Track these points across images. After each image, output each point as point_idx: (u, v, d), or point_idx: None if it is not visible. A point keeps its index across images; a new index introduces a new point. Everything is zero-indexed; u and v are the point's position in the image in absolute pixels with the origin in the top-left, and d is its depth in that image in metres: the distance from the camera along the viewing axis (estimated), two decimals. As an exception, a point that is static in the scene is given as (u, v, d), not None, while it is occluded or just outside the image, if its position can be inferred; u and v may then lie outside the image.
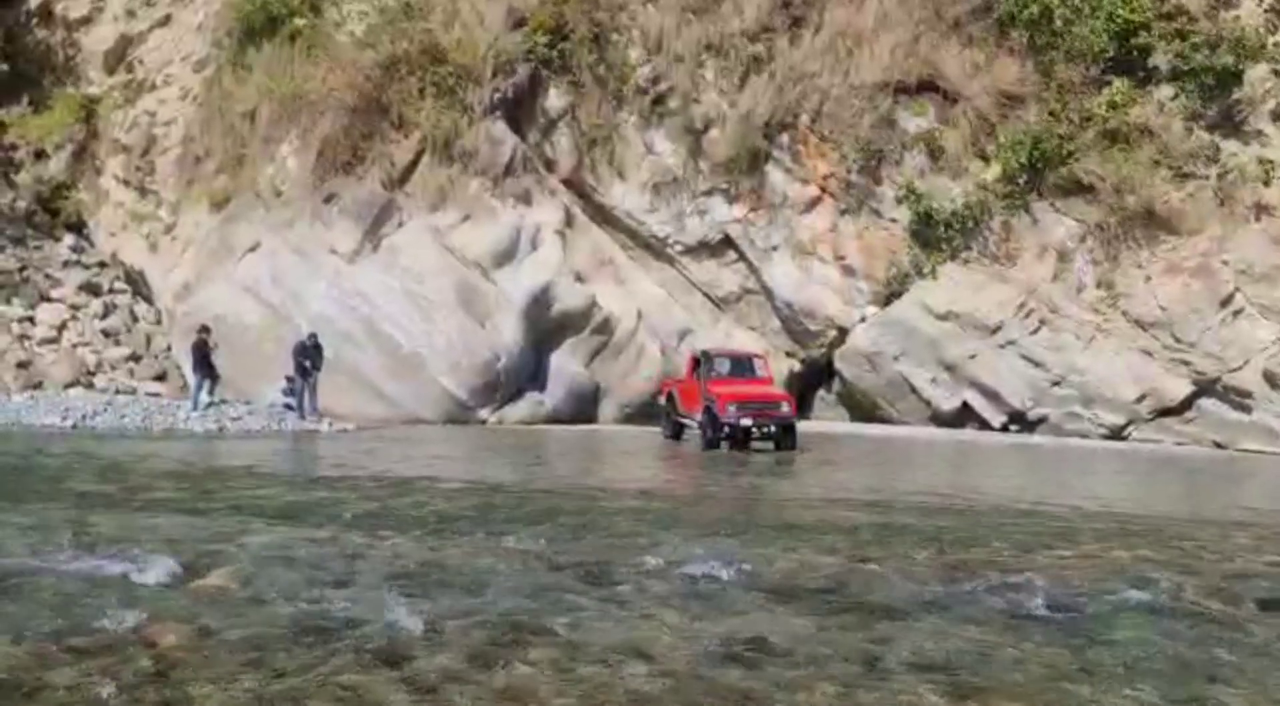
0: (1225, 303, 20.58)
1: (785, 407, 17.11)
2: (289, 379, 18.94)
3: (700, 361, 18.11)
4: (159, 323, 22.66)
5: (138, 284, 23.33)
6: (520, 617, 6.14)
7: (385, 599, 6.41)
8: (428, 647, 5.47)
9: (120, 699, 4.64)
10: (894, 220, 22.54)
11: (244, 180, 22.25)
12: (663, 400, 19.55)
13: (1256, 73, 21.38)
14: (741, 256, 23.05)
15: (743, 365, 18.48)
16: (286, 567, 7.30)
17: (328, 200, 21.35)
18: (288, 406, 18.83)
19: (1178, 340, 20.74)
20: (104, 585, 6.57)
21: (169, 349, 21.98)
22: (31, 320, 21.59)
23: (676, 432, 18.78)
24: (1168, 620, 6.51)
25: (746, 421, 16.45)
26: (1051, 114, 21.78)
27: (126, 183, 23.89)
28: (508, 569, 7.49)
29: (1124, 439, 20.95)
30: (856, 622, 6.24)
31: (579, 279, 21.70)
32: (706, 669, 5.25)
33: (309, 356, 18.88)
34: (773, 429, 16.75)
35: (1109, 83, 21.77)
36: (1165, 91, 21.71)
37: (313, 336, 19.07)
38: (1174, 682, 5.21)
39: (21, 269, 22.46)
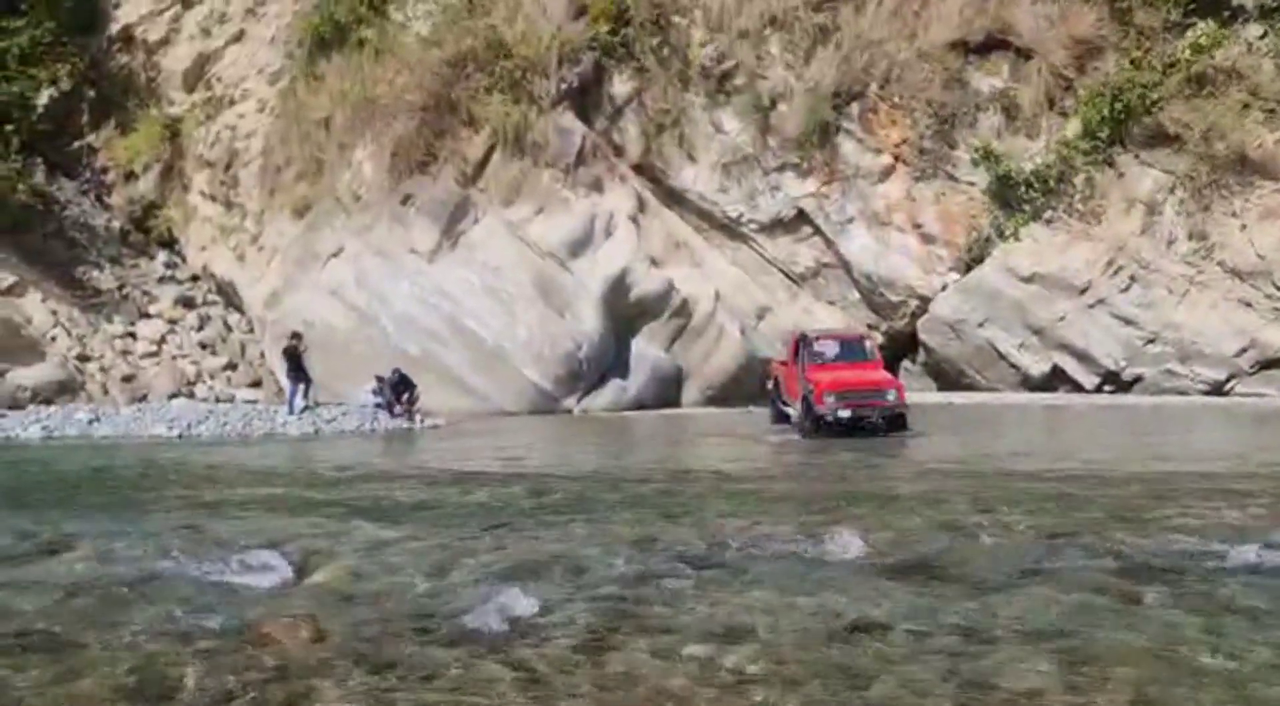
0: (1328, 246, 19.74)
1: (892, 395, 15.44)
2: (378, 379, 19.35)
3: (800, 344, 16.70)
4: (251, 331, 23.35)
5: (229, 295, 24.05)
6: (624, 603, 6.21)
7: (490, 590, 6.54)
8: (534, 637, 5.57)
9: (247, 696, 4.81)
10: (971, 184, 22.09)
11: (323, 187, 22.74)
12: (770, 383, 18.36)
13: (1351, 4, 20.42)
14: (817, 231, 22.82)
15: (849, 348, 16.88)
16: (393, 563, 7.48)
17: (405, 201, 21.72)
18: (377, 406, 19.24)
19: (1278, 288, 19.97)
20: (222, 587, 6.81)
21: (262, 356, 22.63)
22: (133, 336, 22.43)
23: (783, 418, 17.46)
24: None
25: (845, 413, 15.00)
26: (1132, 63, 21.09)
27: (212, 197, 24.61)
28: (610, 555, 7.55)
29: (1225, 394, 20.27)
30: (962, 593, 6.17)
31: (654, 264, 21.72)
32: (810, 647, 5.24)
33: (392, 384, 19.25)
34: (878, 420, 15.28)
35: (1192, 25, 20.99)
36: (1253, 30, 20.86)
37: (396, 371, 19.39)
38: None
39: (120, 287, 23.34)
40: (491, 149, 21.92)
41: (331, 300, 21.54)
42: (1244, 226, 20.36)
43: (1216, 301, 20.45)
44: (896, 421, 15.31)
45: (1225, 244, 20.44)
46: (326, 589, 6.85)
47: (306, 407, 19.50)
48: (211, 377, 22.06)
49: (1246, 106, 20.47)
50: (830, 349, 16.60)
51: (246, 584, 6.89)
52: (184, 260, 24.74)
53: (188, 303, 23.61)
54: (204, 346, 22.86)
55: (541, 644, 5.44)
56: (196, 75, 25.37)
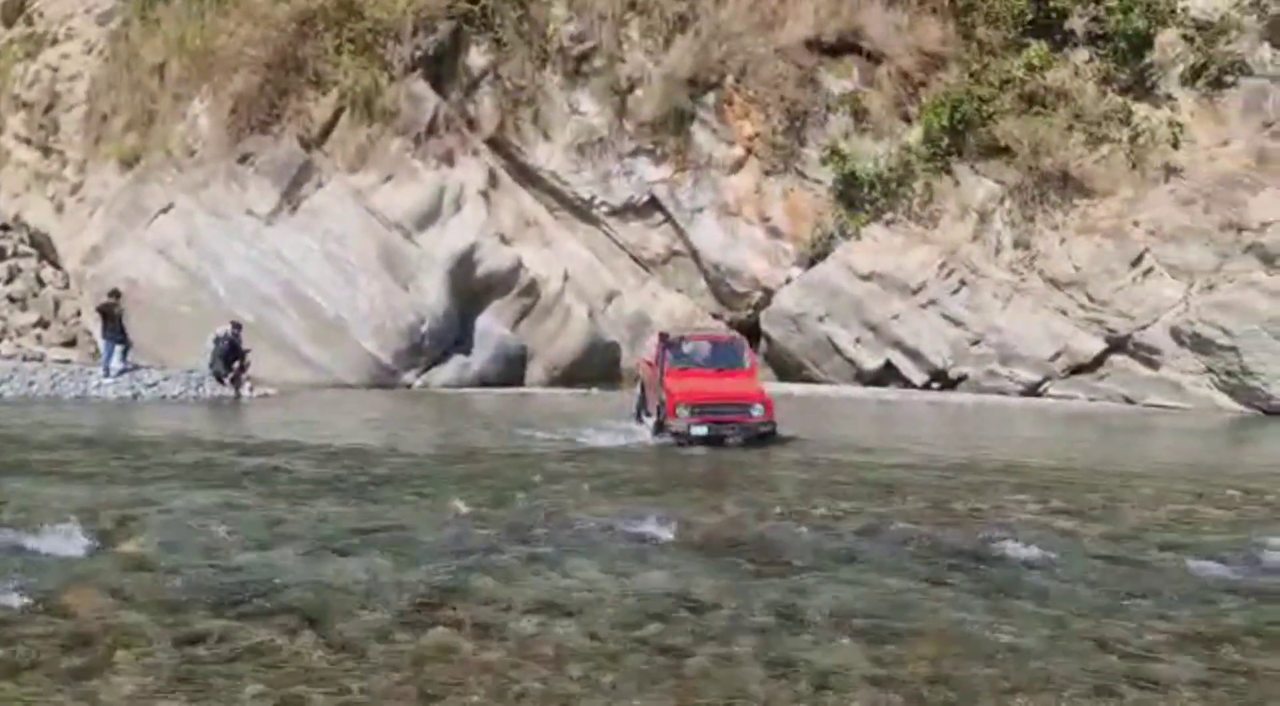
0: (1136, 262, 21.20)
1: (758, 411, 13.02)
2: (235, 324, 18.46)
3: (663, 345, 14.38)
4: (67, 287, 21.90)
5: (44, 247, 22.47)
6: (449, 577, 6.13)
7: (307, 562, 6.36)
8: (353, 609, 5.44)
9: (41, 666, 4.54)
10: (819, 181, 22.71)
11: (154, 139, 21.49)
12: (638, 387, 15.91)
13: (1167, 37, 21.90)
14: (668, 218, 23.03)
15: (719, 352, 14.60)
16: (206, 533, 7.18)
17: (243, 160, 20.74)
18: (234, 380, 18.35)
19: (1091, 299, 21.33)
20: (18, 555, 6.39)
21: (79, 314, 21.25)
22: (-69, 285, 20.74)
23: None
24: (1077, 564, 6.75)
25: (700, 430, 12.79)
26: (972, 76, 22.08)
27: (28, 141, 22.93)
28: (436, 530, 7.46)
29: (1040, 395, 21.54)
30: (778, 576, 6.35)
31: (504, 241, 21.47)
32: (631, 624, 5.30)
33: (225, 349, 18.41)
34: (739, 439, 12.91)
35: (1027, 45, 22.13)
36: (1081, 55, 22.14)
37: (236, 325, 18.54)
38: (1081, 621, 5.41)
39: (-81, 231, 21.53)
40: (339, 112, 21.16)
41: (158, 259, 20.40)
42: (1063, 240, 21.63)
43: (1036, 308, 21.66)
44: (761, 440, 13.05)
45: (1046, 254, 21.66)
46: (135, 558, 6.53)
47: (124, 370, 18.45)
48: (19, 335, 20.57)
49: (1071, 127, 21.74)
50: (698, 352, 14.44)
51: (48, 552, 6.50)
52: (-5, 207, 23.00)
53: (-4, 253, 21.97)
54: (13, 300, 21.28)
55: (361, 616, 5.33)
56: (16, 8, 23.57)
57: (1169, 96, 22.04)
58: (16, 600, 5.41)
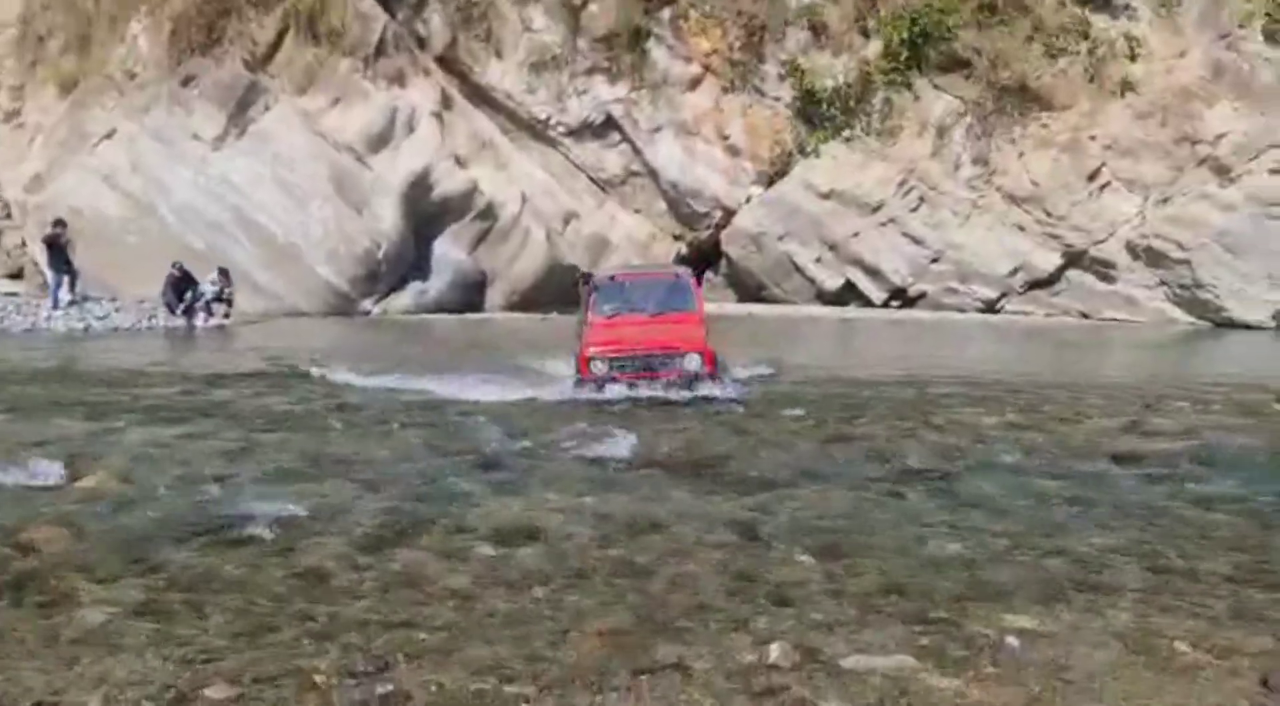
0: (1092, 177, 21.36)
1: (692, 363, 10.50)
2: (221, 271, 18.25)
3: (587, 288, 12.06)
4: (9, 217, 21.34)
5: (-17, 176, 21.84)
6: (412, 504, 6.17)
7: (269, 489, 6.36)
8: (317, 537, 5.46)
9: (4, 599, 4.53)
10: (777, 98, 22.51)
11: (93, 62, 20.80)
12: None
13: (1125, -54, 21.79)
14: (625, 137, 22.77)
15: (655, 292, 11.79)
16: (166, 465, 7.15)
17: (186, 83, 20.15)
18: (211, 301, 18.11)
19: (1048, 214, 21.50)
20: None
21: (23, 245, 20.77)
22: None
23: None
24: (1030, 476, 6.92)
25: (617, 388, 10.32)
26: (931, -12, 21.84)
27: (-39, 66, 22.10)
28: (399, 458, 7.47)
29: (997, 312, 21.82)
30: (738, 494, 6.45)
31: (459, 163, 21.16)
32: (593, 546, 5.37)
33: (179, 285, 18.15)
34: (669, 396, 10.23)
35: (987, -47, 21.88)
36: (1041, -37, 21.96)
37: (177, 264, 18.22)
38: (1032, 532, 5.57)
39: None
40: (284, 32, 20.57)
41: (103, 186, 19.91)
42: (1021, 154, 21.70)
43: (993, 224, 21.82)
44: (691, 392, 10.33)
45: (1004, 170, 21.75)
46: (95, 491, 6.50)
47: (73, 302, 18.13)
48: (-37, 267, 20.12)
49: (1030, 38, 21.64)
50: (631, 294, 11.78)
51: (7, 486, 6.44)
52: (-73, 135, 22.21)
53: (-66, 182, 21.29)
54: (-46, 232, 20.77)
55: (325, 544, 5.35)
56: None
57: (1127, 7, 21.99)
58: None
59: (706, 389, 10.27)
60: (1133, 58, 21.36)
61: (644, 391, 10.20)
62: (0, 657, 3.93)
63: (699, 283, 12.31)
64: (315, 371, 11.52)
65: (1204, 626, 4.24)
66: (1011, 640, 4.01)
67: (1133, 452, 7.74)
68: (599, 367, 10.49)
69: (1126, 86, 21.28)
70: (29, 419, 8.98)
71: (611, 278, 12.37)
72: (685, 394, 10.13)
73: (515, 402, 9.89)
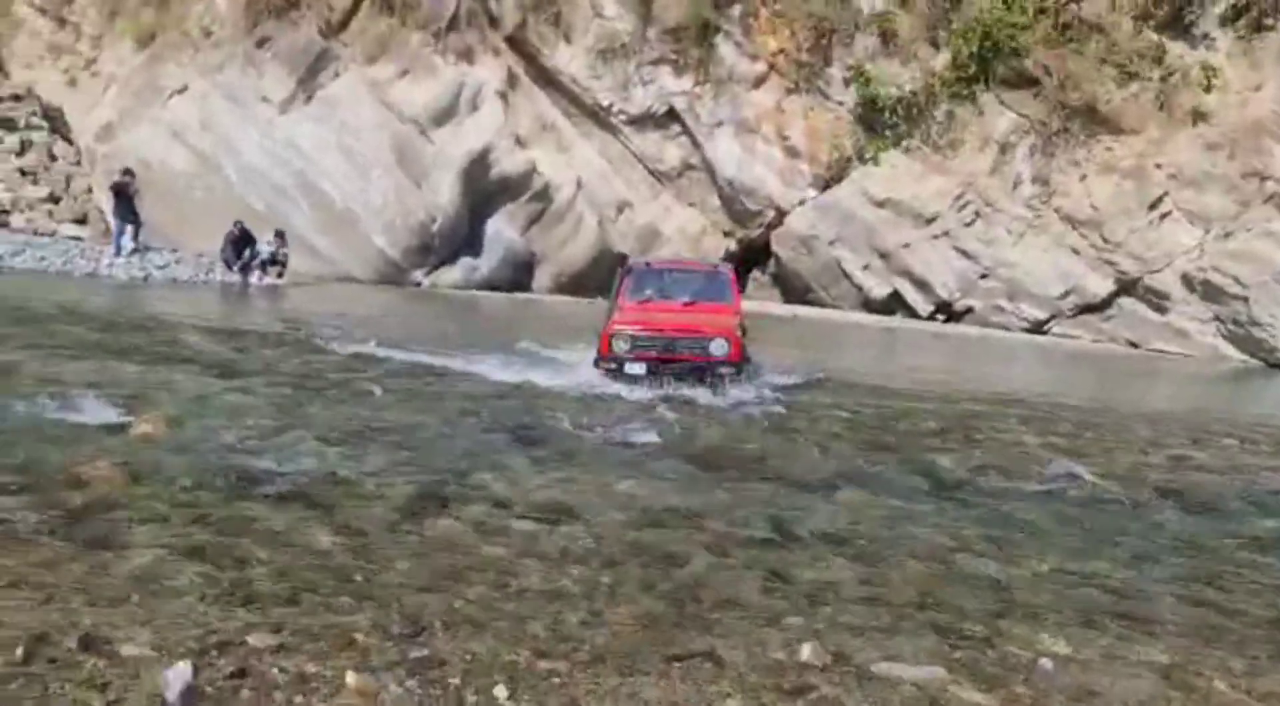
0: (1154, 205, 21.03)
1: (718, 348, 10.10)
2: (277, 233, 18.53)
3: (623, 274, 11.74)
4: (79, 163, 21.75)
5: (56, 121, 22.25)
6: (453, 474, 6.25)
7: (316, 449, 6.47)
8: (360, 498, 5.56)
9: (45, 534, 4.64)
10: (840, 103, 22.39)
11: (171, 17, 21.13)
12: None
13: (1211, -27, 21.39)
14: (685, 130, 22.76)
15: (691, 283, 11.49)
16: (216, 416, 7.29)
17: (260, 44, 20.43)
18: (265, 262, 18.43)
19: (1105, 239, 21.22)
20: (29, 425, 6.50)
21: (90, 191, 21.17)
22: (-60, 153, 20.59)
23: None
24: (1071, 501, 6.86)
25: (638, 368, 9.96)
26: (1005, 3, 21.59)
27: (43, 11, 22.51)
28: (443, 427, 7.57)
29: (1044, 333, 21.58)
30: (774, 492, 6.47)
31: (519, 143, 21.28)
32: (629, 529, 5.42)
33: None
34: (695, 380, 9.95)
35: (1065, -27, 21.58)
36: (1118, -15, 21.63)
37: (238, 222, 18.52)
38: (1070, 556, 5.53)
39: (-72, 97, 21.29)
40: (359, 1, 20.78)
41: (172, 141, 20.25)
42: (1083, 177, 21.42)
43: (1049, 245, 21.57)
44: (716, 383, 9.97)
45: (1065, 191, 21.48)
46: (148, 436, 6.63)
47: (135, 250, 18.48)
48: (30, 209, 20.50)
49: (1104, 60, 21.33)
50: (667, 282, 11.50)
51: (58, 424, 6.60)
52: (6, 76, 22.66)
53: (6, 124, 21.69)
54: (24, 174, 21.16)
55: (369, 506, 5.44)
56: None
57: (1206, 36, 21.60)
58: (31, 470, 5.52)
59: (736, 391, 9.81)
60: (1207, 88, 20.98)
61: (666, 389, 9.63)
62: (50, 590, 4.02)
63: (738, 279, 11.90)
64: (367, 347, 11.28)
65: (1244, 666, 4.18)
66: (1045, 662, 3.99)
67: (1177, 485, 7.66)
68: (620, 346, 10.10)
69: (1198, 116, 20.91)
70: (87, 361, 9.17)
71: (648, 264, 12.26)
72: (711, 398, 9.54)
73: (549, 384, 9.86)
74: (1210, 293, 20.51)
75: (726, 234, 22.98)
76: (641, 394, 9.62)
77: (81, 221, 20.73)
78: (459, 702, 3.38)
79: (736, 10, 22.27)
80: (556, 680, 3.60)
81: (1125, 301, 21.38)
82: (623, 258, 12.63)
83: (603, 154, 22.80)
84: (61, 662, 3.40)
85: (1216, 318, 20.61)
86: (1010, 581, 5.03)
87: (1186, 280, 20.77)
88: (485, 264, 20.76)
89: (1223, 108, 20.88)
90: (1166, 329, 21.04)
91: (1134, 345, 21.18)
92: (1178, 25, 21.55)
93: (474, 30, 21.45)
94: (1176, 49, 21.41)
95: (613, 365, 10.07)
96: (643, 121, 22.72)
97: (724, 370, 9.97)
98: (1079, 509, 6.67)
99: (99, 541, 4.62)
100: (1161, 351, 20.71)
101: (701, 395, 9.67)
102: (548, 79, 22.55)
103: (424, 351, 11.10)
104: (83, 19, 22.15)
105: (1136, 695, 3.83)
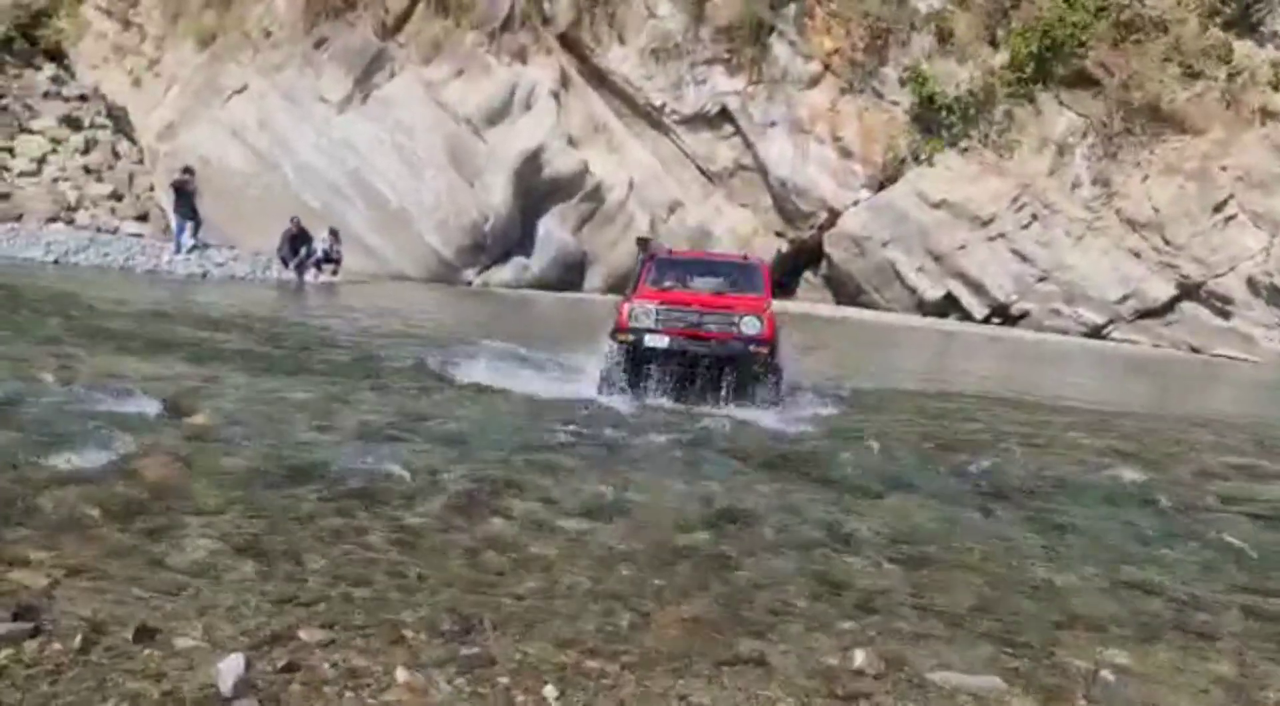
0: (1219, 208, 20.55)
1: (750, 326, 8.87)
2: (331, 231, 18.78)
3: (648, 265, 10.31)
4: (141, 161, 22.21)
5: (119, 120, 22.75)
6: (505, 471, 6.26)
7: (368, 446, 6.51)
8: (410, 495, 5.58)
9: (108, 525, 4.71)
10: (895, 103, 22.15)
11: (232, 19, 21.50)
12: None
13: (1280, -30, 20.84)
14: (738, 131, 22.66)
15: (719, 273, 10.15)
16: (271, 411, 7.37)
17: (318, 45, 20.71)
18: (319, 260, 18.71)
19: (1167, 242, 20.77)
20: (89, 417, 6.61)
21: (152, 189, 21.60)
22: (10, 151, 21.10)
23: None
24: (1131, 508, 6.70)
25: (660, 341, 8.74)
26: (1066, 1, 21.22)
27: (109, 13, 23.04)
28: (496, 424, 7.58)
29: (1102, 338, 21.16)
30: (825, 494, 6.39)
31: (571, 143, 21.33)
32: (679, 530, 5.38)
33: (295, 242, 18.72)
34: (711, 359, 8.83)
35: (1128, -30, 21.17)
36: (1185, -17, 21.17)
37: (295, 220, 18.78)
38: (1131, 565, 5.39)
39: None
40: (415, 2, 20.99)
41: (231, 140, 20.60)
42: (1145, 178, 20.99)
43: (1108, 248, 21.17)
44: (747, 369, 8.82)
45: (1125, 193, 21.07)
46: (200, 430, 6.72)
47: (194, 247, 18.82)
48: (94, 206, 20.98)
49: (1167, 59, 20.88)
50: (693, 271, 10.27)
51: (118, 417, 6.71)
52: (73, 77, 23.21)
53: (73, 123, 22.22)
54: (88, 171, 21.66)
55: (419, 503, 5.46)
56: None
57: (1275, 34, 21.06)
58: (92, 461, 5.62)
59: (767, 396, 8.73)
60: (1276, 86, 20.45)
61: (693, 348, 8.61)
62: (106, 581, 4.08)
63: (771, 275, 10.52)
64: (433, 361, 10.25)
65: (1311, 681, 4.05)
66: (1107, 674, 3.88)
67: (1241, 494, 7.44)
68: (641, 318, 8.83)
69: (1266, 115, 20.40)
70: (145, 355, 9.34)
71: (670, 251, 10.90)
72: (733, 412, 8.37)
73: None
74: (1276, 297, 19.98)
75: (778, 234, 22.85)
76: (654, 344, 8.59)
77: (143, 219, 21.16)
78: (508, 701, 3.37)
79: (791, 10, 22.13)
80: (605, 681, 3.57)
81: (1187, 306, 20.91)
82: (643, 241, 10.80)
83: (655, 154, 22.78)
84: (118, 652, 3.44)
85: (1283, 323, 20.08)
86: (1069, 590, 4.92)
87: (1252, 284, 20.26)
88: (536, 264, 20.84)
89: (1292, 107, 20.33)
90: (1230, 334, 20.53)
91: (1195, 351, 20.70)
92: (1244, 23, 21.04)
93: (527, 30, 21.55)
94: (1244, 47, 20.90)
95: (631, 337, 8.81)
96: (695, 121, 22.67)
97: (756, 349, 8.78)
98: (1139, 516, 6.50)
99: (155, 533, 4.68)
100: (1225, 357, 20.22)
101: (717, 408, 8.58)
102: (600, 79, 22.59)
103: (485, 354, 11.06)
104: (147, 20, 22.62)
105: (1202, 710, 3.71)
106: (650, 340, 8.72)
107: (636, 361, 8.76)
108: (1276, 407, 14.90)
